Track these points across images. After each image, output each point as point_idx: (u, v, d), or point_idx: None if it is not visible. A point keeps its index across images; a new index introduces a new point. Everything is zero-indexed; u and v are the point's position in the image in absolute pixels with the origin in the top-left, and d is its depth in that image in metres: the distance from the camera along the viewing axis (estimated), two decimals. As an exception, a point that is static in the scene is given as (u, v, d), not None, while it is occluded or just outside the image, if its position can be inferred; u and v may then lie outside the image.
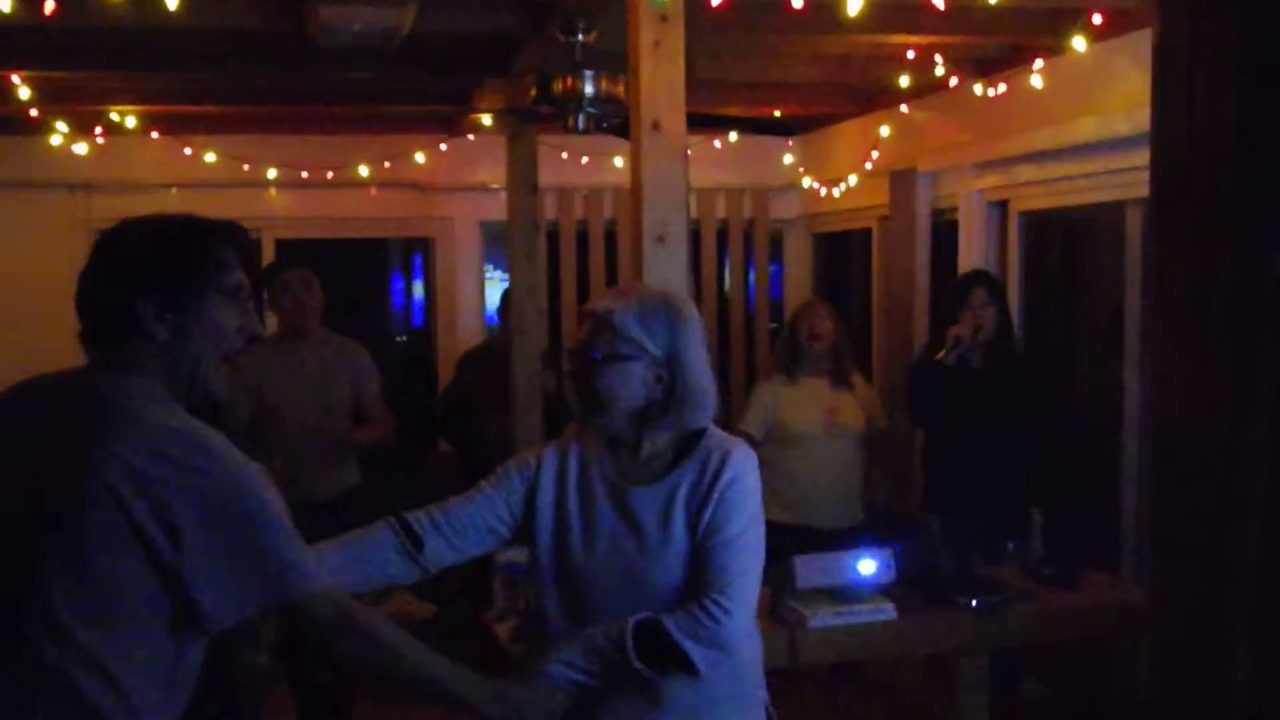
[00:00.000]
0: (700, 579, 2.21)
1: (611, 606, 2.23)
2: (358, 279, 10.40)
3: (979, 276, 4.79)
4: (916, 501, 5.02)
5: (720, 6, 3.01)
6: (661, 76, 3.02)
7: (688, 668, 2.16)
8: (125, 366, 1.91)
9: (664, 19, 2.98)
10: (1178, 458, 1.27)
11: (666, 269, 3.06)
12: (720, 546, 2.22)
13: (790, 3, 2.99)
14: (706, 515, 2.23)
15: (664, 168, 3.06)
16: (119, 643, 1.82)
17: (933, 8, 3.25)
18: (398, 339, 9.35)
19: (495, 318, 6.18)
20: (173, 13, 3.25)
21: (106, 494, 1.77)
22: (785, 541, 4.61)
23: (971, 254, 5.52)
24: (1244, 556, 1.16)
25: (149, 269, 1.92)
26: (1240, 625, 1.17)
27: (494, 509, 2.35)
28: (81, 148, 5.80)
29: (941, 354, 4.53)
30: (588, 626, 2.24)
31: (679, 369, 2.24)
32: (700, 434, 2.30)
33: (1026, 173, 5.17)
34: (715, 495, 2.23)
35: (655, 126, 3.04)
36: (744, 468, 2.27)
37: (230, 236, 2.00)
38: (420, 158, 6.30)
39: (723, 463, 2.26)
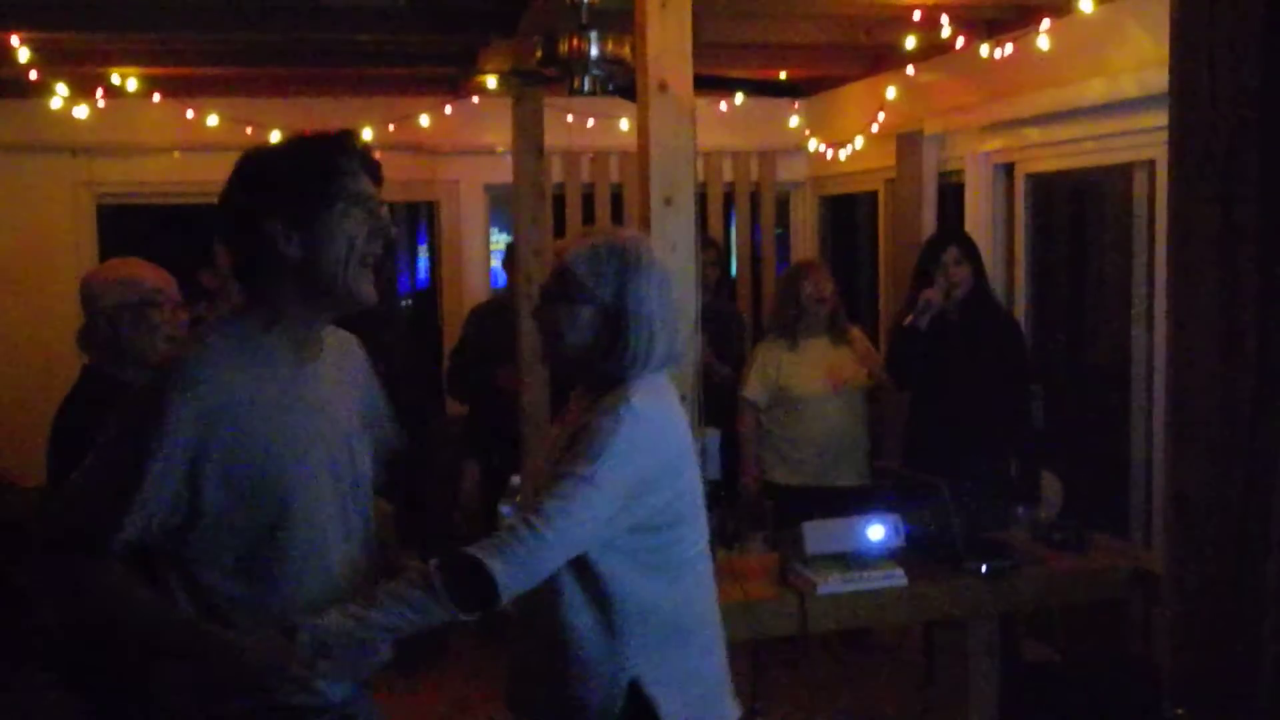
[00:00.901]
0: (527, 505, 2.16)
1: None
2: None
3: (951, 234, 4.82)
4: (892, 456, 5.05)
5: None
6: (669, 37, 2.99)
7: (491, 588, 2.00)
8: (265, 293, 2.00)
9: (671, -22, 2.94)
10: (1198, 436, 1.25)
11: (675, 231, 3.04)
12: (555, 475, 2.12)
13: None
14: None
15: (671, 129, 3.03)
16: None
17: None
18: (403, 303, 9.33)
19: (501, 270, 6.17)
20: None
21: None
22: (798, 503, 4.68)
23: (978, 216, 5.49)
24: (1268, 531, 1.15)
25: (271, 190, 1.97)
26: (1267, 602, 1.16)
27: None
28: (82, 111, 5.75)
29: (909, 318, 4.52)
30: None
31: (625, 315, 2.20)
32: (626, 381, 2.21)
33: (1033, 135, 5.12)
34: (575, 434, 2.16)
35: (662, 87, 3.01)
36: (614, 413, 2.13)
37: (348, 146, 2.03)
38: (425, 120, 6.24)
39: (611, 406, 2.15)
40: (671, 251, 3.03)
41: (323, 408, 2.09)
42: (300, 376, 2.06)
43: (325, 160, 1.98)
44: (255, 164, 2.01)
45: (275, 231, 1.95)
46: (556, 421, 2.45)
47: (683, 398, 3.06)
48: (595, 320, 2.21)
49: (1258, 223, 1.09)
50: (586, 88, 3.96)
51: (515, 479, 3.45)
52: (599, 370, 2.24)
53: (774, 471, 5.04)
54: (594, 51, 3.88)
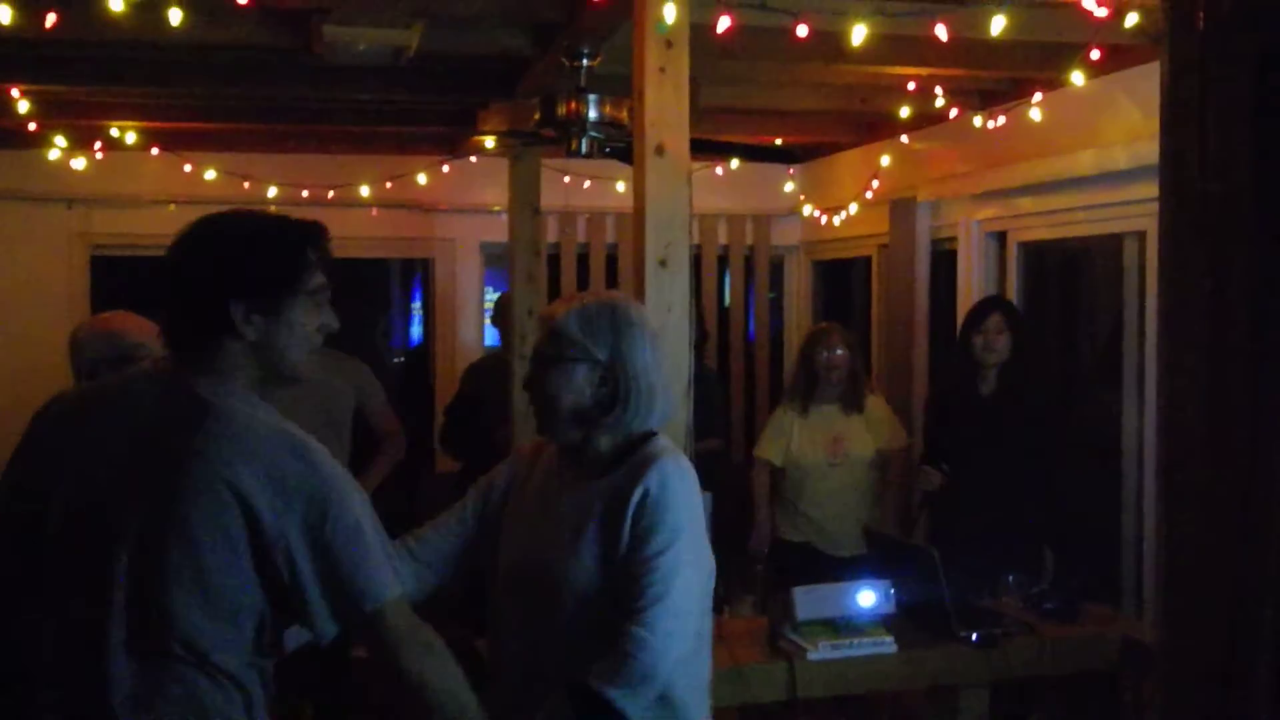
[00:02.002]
0: (623, 603, 2.10)
1: (525, 610, 2.22)
2: (355, 298, 10.39)
3: (996, 302, 4.77)
4: (920, 536, 4.98)
5: (725, 34, 3.00)
6: (666, 101, 3.02)
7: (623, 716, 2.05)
8: (215, 367, 1.94)
9: (669, 45, 2.98)
10: (1191, 496, 1.25)
11: (669, 292, 3.05)
12: (638, 565, 2.09)
13: (795, 32, 2.98)
14: (625, 528, 2.12)
15: (667, 191, 3.05)
16: (223, 641, 1.84)
17: (935, 40, 3.26)
18: (395, 360, 9.33)
19: (493, 326, 6.15)
20: (175, 28, 3.25)
21: (225, 501, 1.80)
22: (797, 560, 4.67)
23: (971, 284, 5.52)
24: (1261, 593, 1.14)
25: (241, 272, 1.95)
26: (1260, 660, 1.15)
27: (464, 530, 2.34)
28: (80, 163, 5.78)
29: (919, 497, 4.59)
30: (509, 633, 2.24)
31: (622, 372, 2.19)
32: (645, 439, 2.23)
33: (1025, 204, 5.17)
34: (632, 506, 2.12)
35: (659, 151, 3.03)
36: (668, 478, 2.13)
37: (316, 237, 2.02)
38: (422, 178, 6.28)
39: (644, 471, 2.14)
40: (667, 313, 3.04)
41: None
42: None
43: (298, 252, 1.98)
44: (225, 239, 1.99)
45: (238, 312, 1.93)
46: (522, 495, 2.37)
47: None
48: (593, 378, 2.20)
49: (1248, 293, 1.10)
50: (584, 150, 4.00)
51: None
52: (602, 427, 2.22)
53: (781, 528, 5.05)
54: (592, 114, 3.92)
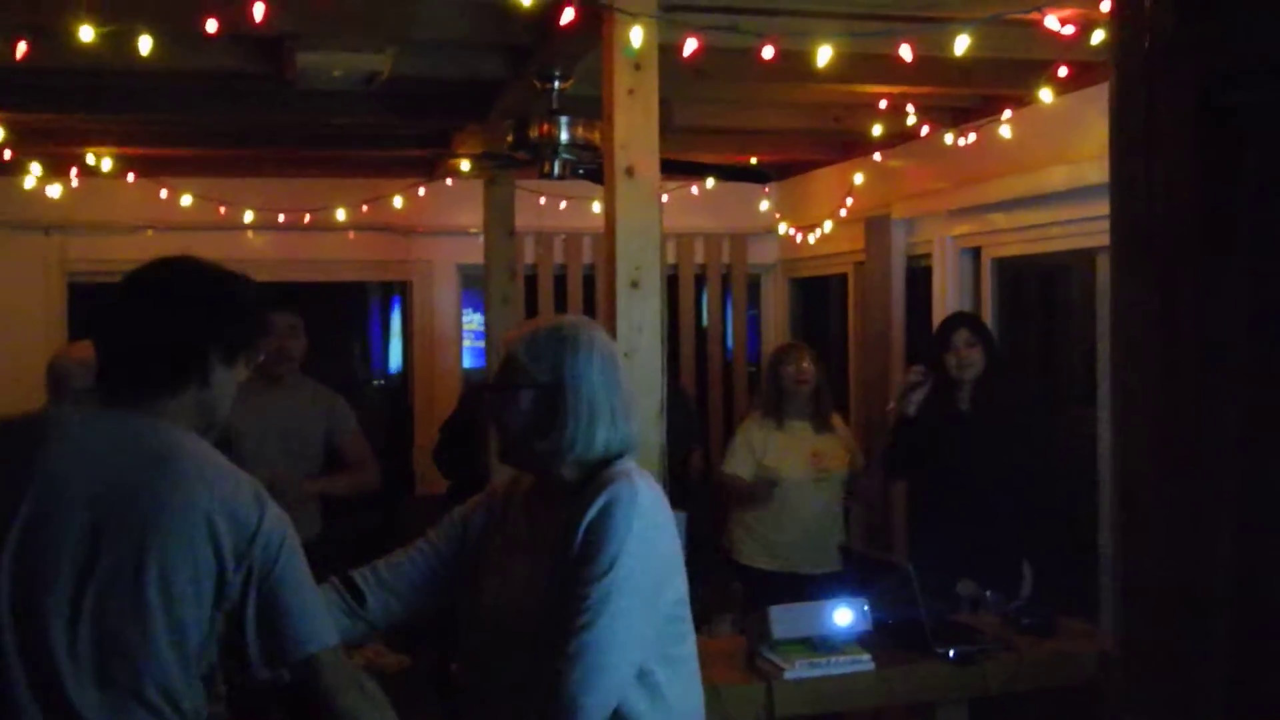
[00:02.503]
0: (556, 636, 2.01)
1: (496, 643, 2.16)
2: (332, 322, 10.38)
3: (962, 318, 4.76)
4: (897, 552, 4.98)
5: (693, 56, 3.02)
6: (635, 123, 3.04)
7: None
8: (165, 410, 1.95)
9: (638, 67, 3.00)
10: (1145, 516, 1.26)
11: (640, 314, 3.06)
12: (570, 593, 2.00)
13: (760, 54, 3.01)
14: (572, 555, 2.03)
15: (637, 213, 3.06)
16: (187, 684, 1.86)
17: (903, 58, 3.28)
18: (374, 383, 9.30)
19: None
20: (148, 55, 3.25)
21: (200, 540, 1.83)
22: (771, 589, 4.63)
23: (946, 300, 5.54)
24: (1214, 618, 1.15)
25: (231, 322, 2.02)
26: (1214, 677, 1.16)
27: (438, 559, 2.29)
28: (56, 189, 5.77)
29: (892, 405, 4.49)
30: (480, 664, 2.19)
31: (567, 396, 2.13)
32: (608, 464, 2.15)
33: (999, 220, 5.20)
34: (578, 533, 2.03)
35: (629, 172, 3.05)
36: (613, 503, 2.03)
37: (269, 304, 2.13)
38: (398, 201, 6.29)
39: (595, 496, 2.05)
40: (638, 334, 3.05)
41: None
42: None
43: (265, 316, 2.16)
44: (209, 288, 2.03)
45: (213, 359, 1.98)
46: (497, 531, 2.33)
47: (648, 480, 3.07)
48: (534, 402, 2.15)
49: (1198, 312, 1.11)
50: (556, 172, 4.02)
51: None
52: (557, 454, 2.16)
53: (750, 557, 5.00)
54: (564, 136, 3.95)
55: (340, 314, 10.06)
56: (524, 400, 2.15)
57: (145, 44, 3.06)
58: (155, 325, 1.98)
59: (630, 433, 2.21)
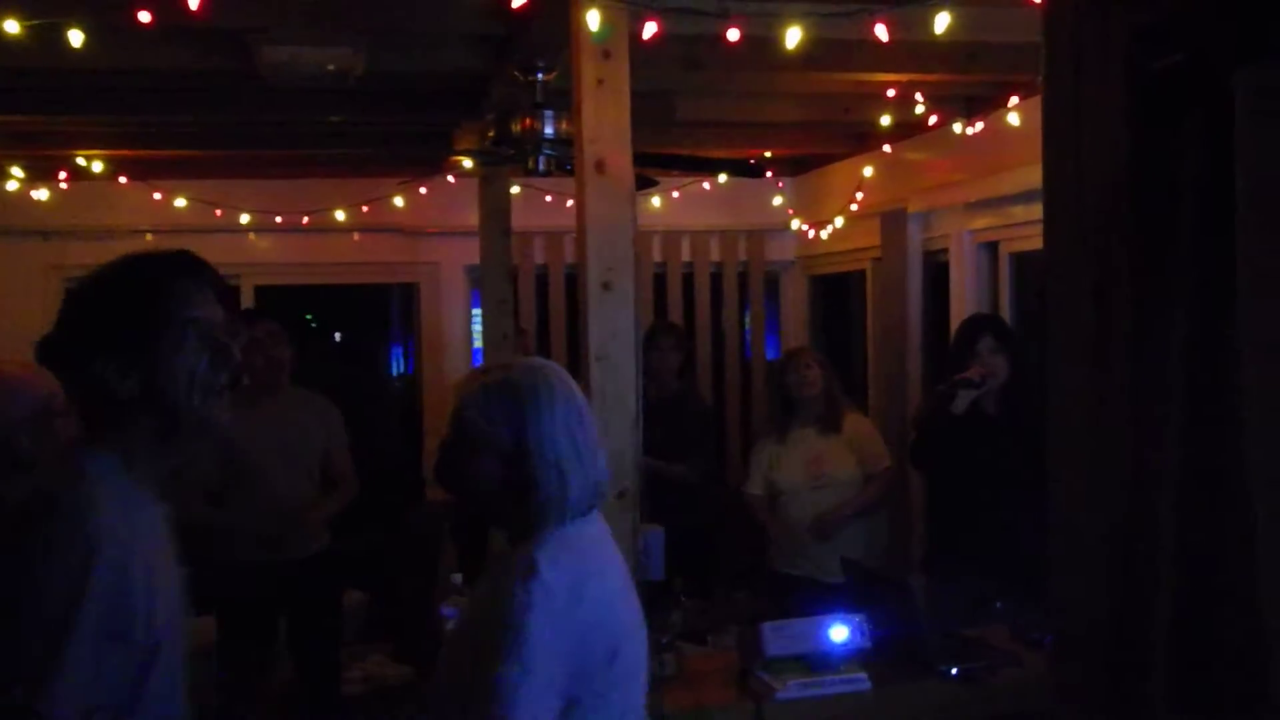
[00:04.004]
0: None
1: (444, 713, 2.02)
2: (351, 323, 10.31)
3: (985, 322, 4.53)
4: (911, 561, 4.80)
5: (653, 39, 2.85)
6: (605, 115, 2.87)
7: None
8: (104, 436, 1.78)
9: (607, 55, 2.83)
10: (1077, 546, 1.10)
11: (613, 318, 2.89)
12: (471, 672, 1.87)
13: (725, 37, 2.82)
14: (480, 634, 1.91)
15: (609, 211, 2.90)
16: None
17: (909, 42, 3.09)
18: (396, 381, 9.22)
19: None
20: (127, 54, 3.13)
21: None
22: (790, 592, 4.48)
23: (964, 295, 5.33)
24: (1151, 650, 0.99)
25: (93, 324, 1.77)
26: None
27: None
28: (42, 194, 5.69)
29: (944, 393, 4.27)
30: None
31: (533, 460, 1.97)
32: (535, 530, 1.98)
33: (1016, 213, 4.98)
34: (484, 611, 1.93)
35: (599, 167, 2.88)
36: (514, 586, 1.88)
37: (181, 269, 1.83)
38: (399, 201, 6.15)
39: (508, 569, 1.92)
40: (611, 340, 2.88)
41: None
42: (164, 519, 1.89)
43: (150, 285, 1.79)
44: (77, 295, 1.82)
45: (106, 371, 1.75)
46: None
47: (621, 494, 2.90)
48: (498, 466, 1.99)
49: (1129, 312, 0.95)
50: (541, 167, 3.87)
51: (456, 577, 3.29)
52: (508, 517, 2.03)
53: (780, 563, 4.89)
54: (548, 130, 3.79)
55: (362, 316, 10.00)
56: (486, 465, 2.00)
57: (76, 38, 2.88)
58: (54, 352, 1.81)
59: (600, 477, 2.06)
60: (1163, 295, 0.95)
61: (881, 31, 2.92)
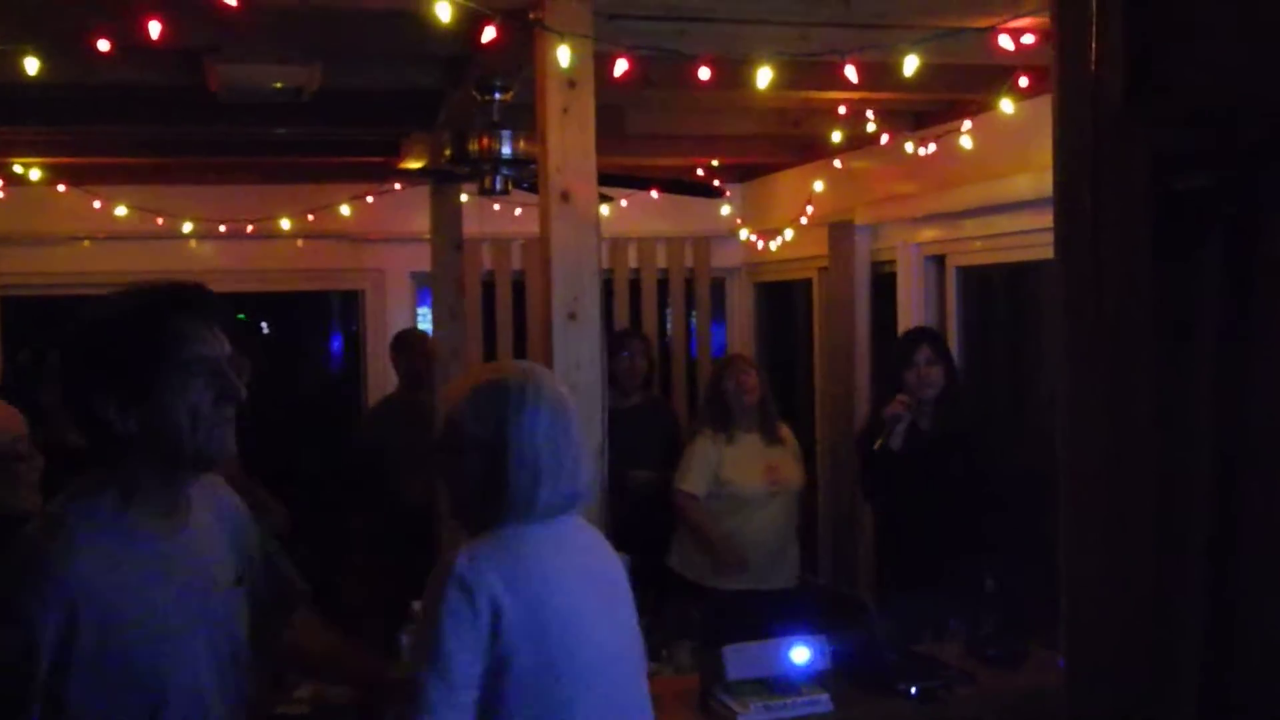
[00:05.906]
0: None
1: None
2: (295, 329, 10.14)
3: (922, 334, 4.62)
4: (864, 584, 4.84)
5: (626, 75, 2.84)
6: (570, 144, 2.86)
7: None
8: (107, 471, 1.79)
9: (572, 84, 2.82)
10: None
11: (578, 349, 2.88)
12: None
13: (697, 73, 2.83)
14: None
15: (574, 240, 2.89)
16: None
17: (860, 64, 3.10)
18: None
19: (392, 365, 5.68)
20: (80, 72, 3.06)
21: None
22: (733, 610, 4.49)
23: (910, 307, 5.39)
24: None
25: (97, 365, 1.76)
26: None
27: None
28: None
29: (879, 442, 4.33)
30: None
31: (506, 454, 1.99)
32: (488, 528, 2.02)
33: (963, 228, 5.04)
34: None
35: (565, 197, 2.87)
36: (440, 579, 1.90)
37: (185, 302, 1.81)
38: (345, 209, 6.08)
39: (439, 567, 1.94)
40: (576, 369, 2.87)
41: (200, 572, 1.90)
42: (172, 547, 1.86)
43: (155, 325, 1.77)
44: (78, 334, 1.81)
45: (108, 411, 1.75)
46: None
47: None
48: (477, 464, 2.01)
49: (1153, 414, 0.96)
50: (498, 187, 3.84)
51: (416, 604, 3.25)
52: (479, 519, 2.03)
53: (707, 577, 4.83)
54: (505, 150, 3.76)
55: (303, 324, 9.84)
56: (466, 463, 2.02)
57: (31, 65, 2.81)
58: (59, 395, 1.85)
59: (578, 488, 2.07)
60: (1189, 415, 0.96)
61: (851, 73, 2.93)
